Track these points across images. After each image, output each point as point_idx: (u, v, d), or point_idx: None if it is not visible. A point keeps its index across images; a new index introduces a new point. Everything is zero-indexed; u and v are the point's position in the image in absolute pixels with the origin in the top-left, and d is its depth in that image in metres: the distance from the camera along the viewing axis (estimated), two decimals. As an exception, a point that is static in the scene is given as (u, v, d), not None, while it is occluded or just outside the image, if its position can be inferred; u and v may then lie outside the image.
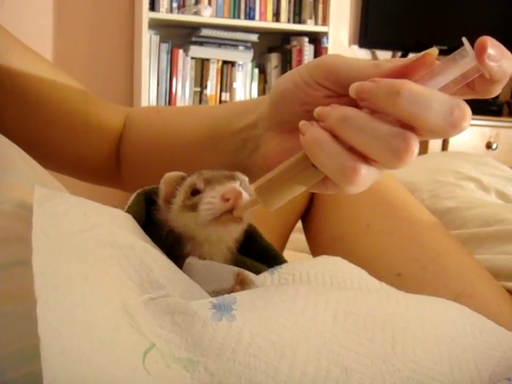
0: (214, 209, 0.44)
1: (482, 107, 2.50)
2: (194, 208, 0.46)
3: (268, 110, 0.49)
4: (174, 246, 0.48)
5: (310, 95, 0.43)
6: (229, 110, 0.61)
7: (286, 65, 2.72)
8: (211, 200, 0.45)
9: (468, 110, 0.34)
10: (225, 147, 0.57)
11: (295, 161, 0.40)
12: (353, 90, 0.38)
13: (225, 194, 0.44)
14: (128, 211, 0.47)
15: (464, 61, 0.35)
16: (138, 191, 0.50)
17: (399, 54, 2.87)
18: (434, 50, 0.37)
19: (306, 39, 2.68)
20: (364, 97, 0.37)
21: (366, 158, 0.37)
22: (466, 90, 0.37)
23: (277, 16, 2.65)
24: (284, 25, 2.65)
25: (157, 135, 0.68)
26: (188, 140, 0.64)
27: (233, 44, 2.64)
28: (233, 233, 0.48)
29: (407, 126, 0.35)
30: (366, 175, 0.37)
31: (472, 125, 2.41)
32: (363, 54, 2.96)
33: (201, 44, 2.60)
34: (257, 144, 0.52)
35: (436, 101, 0.34)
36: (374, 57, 2.97)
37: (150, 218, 0.50)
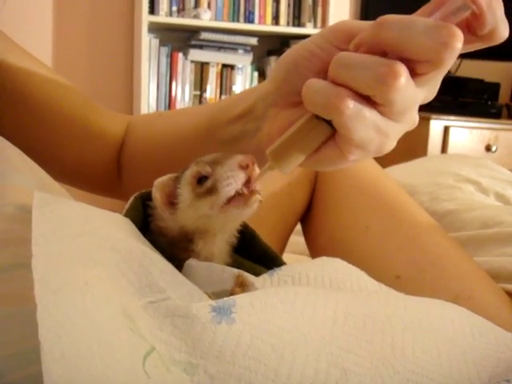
0: (235, 180, 0.44)
1: (482, 110, 2.50)
2: (210, 192, 0.45)
3: (274, 84, 0.48)
4: (182, 248, 0.48)
5: (326, 61, 0.42)
6: (225, 101, 0.62)
7: (285, 68, 2.72)
8: (230, 173, 0.44)
9: (457, 29, 0.35)
10: (222, 137, 0.57)
11: (303, 122, 0.41)
12: (351, 43, 0.39)
13: (241, 162, 0.44)
14: (126, 215, 0.47)
15: None
16: (135, 195, 0.50)
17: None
18: None
19: (306, 42, 2.69)
20: (359, 43, 0.39)
21: (357, 97, 0.38)
22: (470, 38, 0.37)
23: (276, 19, 2.66)
24: (283, 28, 2.66)
25: (158, 137, 0.68)
26: (186, 135, 0.64)
27: (232, 47, 2.65)
28: (252, 212, 0.47)
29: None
30: (354, 108, 0.37)
31: (471, 127, 2.41)
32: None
33: (200, 47, 2.60)
34: (257, 126, 0.52)
35: (420, 22, 0.35)
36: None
37: (146, 221, 0.50)
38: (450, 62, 0.36)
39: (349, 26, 0.42)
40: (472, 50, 0.39)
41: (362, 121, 0.38)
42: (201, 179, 0.46)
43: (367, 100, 0.38)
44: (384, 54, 0.37)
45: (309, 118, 0.41)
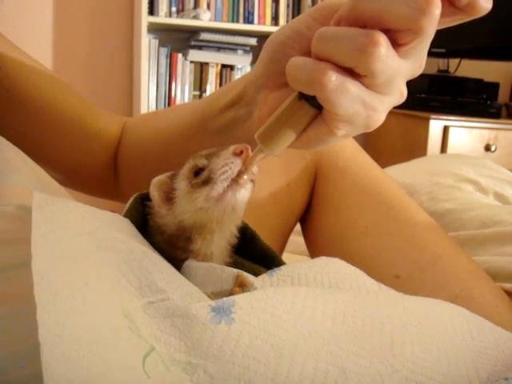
0: (231, 167, 0.44)
1: (481, 109, 2.50)
2: (206, 182, 0.45)
3: (262, 67, 0.48)
4: (181, 247, 0.48)
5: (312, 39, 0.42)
6: (217, 91, 0.62)
7: (284, 68, 2.72)
8: (225, 161, 0.44)
9: None
10: (215, 126, 0.57)
11: (288, 103, 0.41)
12: (332, 19, 0.39)
13: (235, 149, 0.45)
14: (126, 215, 0.47)
15: None
16: (135, 195, 0.51)
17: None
18: None
19: (305, 42, 2.69)
20: (339, 18, 0.38)
21: (340, 70, 0.37)
22: (450, 10, 0.37)
23: (275, 20, 2.66)
24: (283, 28, 2.66)
25: (152, 134, 0.69)
26: (180, 128, 0.64)
27: (232, 48, 2.65)
28: (247, 195, 0.47)
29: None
30: (336, 82, 0.37)
31: (470, 127, 2.41)
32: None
33: (200, 48, 2.60)
34: (249, 111, 0.52)
35: None
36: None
37: (146, 222, 0.50)
38: (430, 30, 0.36)
39: (334, 3, 0.42)
40: (455, 23, 0.38)
41: (345, 94, 0.37)
42: (198, 172, 0.47)
43: (350, 73, 0.37)
44: (364, 27, 0.37)
45: (293, 99, 0.41)
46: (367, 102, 0.39)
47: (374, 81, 0.38)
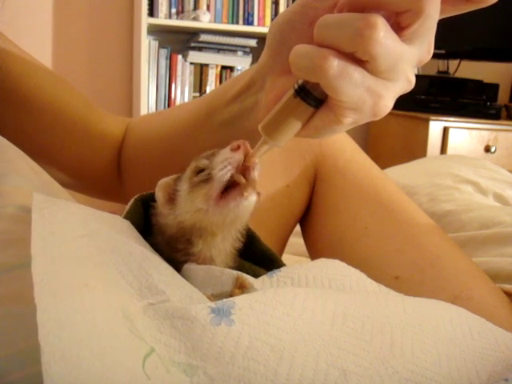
0: (230, 163, 0.44)
1: (481, 111, 2.50)
2: (206, 180, 0.45)
3: (270, 51, 0.47)
4: (181, 250, 0.48)
5: (319, 9, 0.42)
6: (223, 84, 0.62)
7: (284, 69, 2.72)
8: (224, 157, 0.44)
9: None
10: (221, 119, 0.57)
11: (290, 95, 0.41)
12: (336, 8, 0.39)
13: (233, 145, 0.44)
14: (126, 217, 0.48)
15: None
16: (136, 197, 0.51)
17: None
18: None
19: (304, 44, 2.69)
20: (342, 6, 0.38)
21: (341, 56, 0.37)
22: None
23: (275, 21, 2.66)
24: (282, 29, 2.66)
25: (157, 131, 0.68)
26: (184, 123, 0.64)
27: (231, 49, 2.65)
28: (250, 208, 0.46)
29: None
30: (338, 67, 0.37)
31: (470, 128, 2.41)
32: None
33: (200, 49, 2.61)
34: (255, 101, 0.51)
35: None
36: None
37: (148, 224, 0.50)
38: (431, 10, 0.35)
39: None
40: (461, 11, 0.38)
41: (348, 80, 0.37)
42: (199, 173, 0.47)
43: (353, 59, 0.37)
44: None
45: (290, 96, 0.41)
46: (372, 89, 0.38)
47: (376, 66, 0.37)
